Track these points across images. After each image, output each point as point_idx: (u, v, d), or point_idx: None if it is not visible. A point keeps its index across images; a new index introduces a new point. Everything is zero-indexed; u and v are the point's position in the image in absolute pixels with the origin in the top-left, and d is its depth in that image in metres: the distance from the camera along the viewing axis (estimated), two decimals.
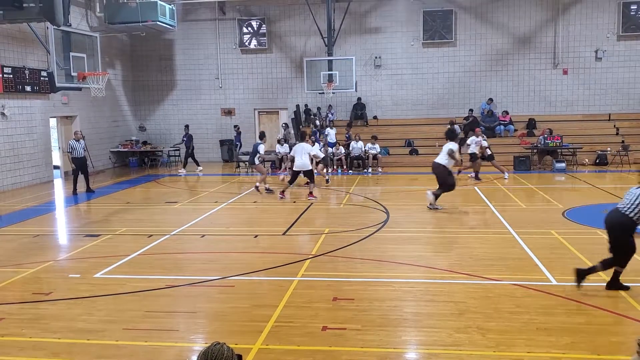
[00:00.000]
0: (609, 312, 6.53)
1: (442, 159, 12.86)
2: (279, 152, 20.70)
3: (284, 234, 11.09)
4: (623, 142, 21.35)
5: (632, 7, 22.42)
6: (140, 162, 25.09)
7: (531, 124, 22.83)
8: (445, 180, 12.91)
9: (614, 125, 22.55)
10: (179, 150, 24.37)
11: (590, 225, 11.10)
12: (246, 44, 25.42)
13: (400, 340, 5.98)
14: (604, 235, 10.20)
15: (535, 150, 20.89)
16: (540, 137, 20.94)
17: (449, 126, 19.85)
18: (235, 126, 23.65)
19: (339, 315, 6.59)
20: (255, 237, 10.85)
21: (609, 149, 21.16)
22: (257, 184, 16.11)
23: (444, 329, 6.16)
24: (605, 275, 7.59)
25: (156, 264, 9.09)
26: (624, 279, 7.30)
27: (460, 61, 23.77)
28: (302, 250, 9.77)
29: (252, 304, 7.06)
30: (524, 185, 16.85)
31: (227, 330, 6.30)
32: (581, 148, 20.99)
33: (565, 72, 23.12)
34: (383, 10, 24.14)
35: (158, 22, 21.69)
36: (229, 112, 25.86)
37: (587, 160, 21.06)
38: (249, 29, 25.35)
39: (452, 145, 12.88)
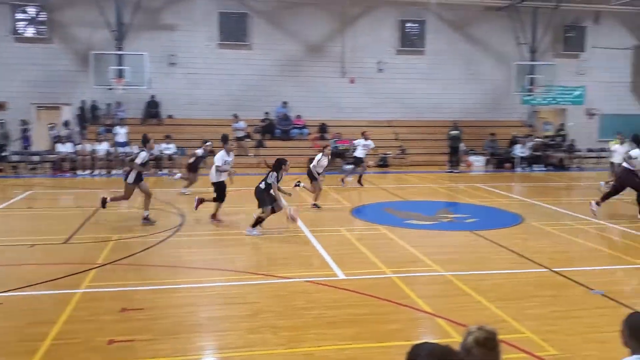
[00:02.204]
0: (389, 301, 7.05)
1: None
2: (59, 151, 19.00)
3: (65, 242, 10.14)
4: (401, 146, 23.54)
5: (407, 25, 24.86)
6: None
7: (323, 128, 24.05)
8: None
9: (394, 131, 24.75)
10: None
11: (374, 222, 11.97)
12: (21, 31, 22.91)
13: (194, 346, 5.80)
14: (385, 231, 11.09)
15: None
16: (331, 140, 22.19)
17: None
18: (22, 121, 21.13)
19: (128, 327, 6.17)
20: (31, 246, 9.75)
21: (389, 152, 23.16)
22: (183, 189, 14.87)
23: (237, 330, 6.11)
24: (387, 268, 8.20)
25: None
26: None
27: (256, 65, 24.15)
28: (86, 259, 9.00)
29: (26, 322, 6.29)
30: (339, 186, 17.61)
31: None
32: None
33: (352, 81, 24.77)
34: (177, 8, 23.55)
35: None
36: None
37: (371, 162, 22.80)
38: (25, 15, 22.89)
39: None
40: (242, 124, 22.68)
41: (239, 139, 22.46)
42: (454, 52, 25.30)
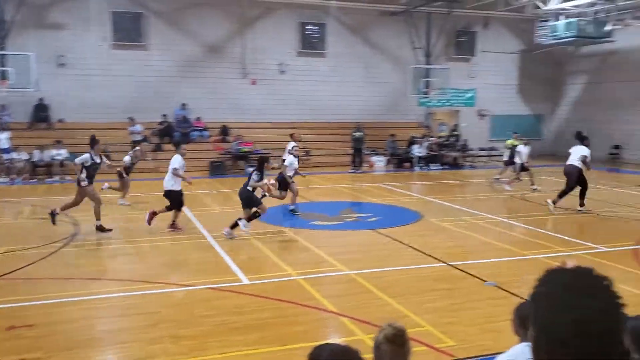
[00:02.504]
0: (294, 303, 7.03)
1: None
2: None
3: None
4: (305, 148, 23.67)
5: (307, 27, 25.08)
6: None
7: (224, 131, 23.71)
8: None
9: (297, 133, 24.82)
10: None
11: (279, 225, 11.93)
12: None
13: None
14: (290, 233, 11.08)
15: (229, 156, 21.79)
16: (233, 143, 21.91)
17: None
18: None
19: (16, 346, 5.74)
20: None
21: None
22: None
23: (137, 342, 5.86)
24: (292, 270, 8.19)
25: None
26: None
27: (153, 66, 23.38)
28: None
29: None
30: (220, 190, 17.36)
31: None
32: (270, 154, 22.58)
33: (253, 83, 24.61)
34: (66, 5, 22.31)
35: None
36: None
37: (276, 164, 22.74)
38: None
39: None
40: (138, 127, 21.88)
41: (135, 142, 21.67)
42: (353, 55, 25.81)
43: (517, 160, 17.35)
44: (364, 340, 5.54)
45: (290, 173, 13.34)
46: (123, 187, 14.33)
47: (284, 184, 13.07)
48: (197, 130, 23.44)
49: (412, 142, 24.55)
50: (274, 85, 24.83)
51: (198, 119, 23.62)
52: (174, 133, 22.66)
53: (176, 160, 11.19)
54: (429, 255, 9.37)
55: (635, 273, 8.50)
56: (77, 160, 11.01)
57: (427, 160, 23.93)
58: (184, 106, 23.47)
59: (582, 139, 13.66)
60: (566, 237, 10.79)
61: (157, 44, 23.41)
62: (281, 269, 8.55)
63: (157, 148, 22.04)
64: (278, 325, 6.37)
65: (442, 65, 25.84)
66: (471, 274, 8.29)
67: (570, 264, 1.41)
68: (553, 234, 11.24)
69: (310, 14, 24.97)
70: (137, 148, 15.84)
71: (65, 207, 11.29)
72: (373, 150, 24.57)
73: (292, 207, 13.26)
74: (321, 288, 7.72)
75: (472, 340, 5.92)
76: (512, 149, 19.05)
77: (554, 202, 13.20)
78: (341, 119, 25.25)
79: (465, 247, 10.29)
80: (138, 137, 21.67)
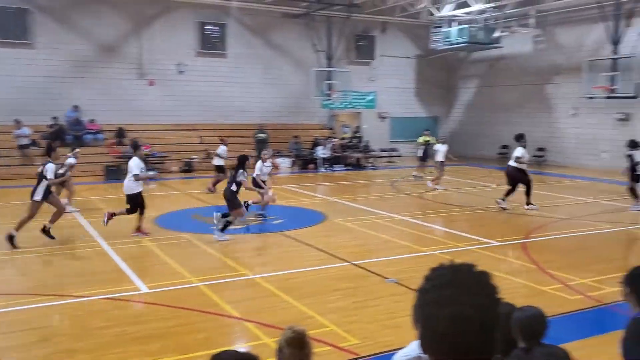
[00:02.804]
0: (196, 310, 6.83)
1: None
2: None
3: None
4: (206, 150, 23.21)
5: (207, 27, 24.62)
6: None
7: (121, 133, 22.77)
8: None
9: (199, 135, 24.34)
10: None
11: (179, 230, 11.58)
12: None
13: None
14: (191, 239, 10.79)
15: (126, 159, 20.87)
16: (130, 146, 21.08)
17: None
18: None
19: None
20: None
21: (194, 156, 22.73)
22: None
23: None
24: (194, 277, 7.95)
25: None
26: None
27: (41, 65, 21.98)
28: None
29: None
30: (116, 195, 16.59)
31: None
32: (169, 156, 21.98)
33: (151, 83, 23.82)
34: None
35: None
36: None
37: (175, 167, 22.18)
38: None
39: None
40: (26, 131, 20.51)
41: (22, 147, 20.35)
42: (255, 56, 25.65)
43: (438, 158, 18.01)
44: (269, 345, 5.47)
45: (264, 178, 13.15)
46: (70, 193, 13.71)
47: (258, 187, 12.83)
48: (90, 133, 22.33)
49: (316, 144, 24.77)
50: (173, 86, 24.17)
51: (92, 121, 22.50)
52: (66, 136, 21.44)
53: (136, 165, 10.78)
54: (333, 256, 9.46)
55: (525, 265, 9.01)
56: (50, 174, 10.11)
57: (331, 162, 24.23)
58: (76, 108, 22.24)
59: (518, 139, 14.39)
60: (461, 233, 11.28)
61: (44, 42, 22.05)
62: (182, 276, 8.29)
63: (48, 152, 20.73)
64: (179, 333, 6.16)
65: (343, 68, 26.28)
66: (373, 272, 8.44)
67: (458, 260, 1.45)
68: (449, 230, 11.71)
69: (209, 13, 24.53)
70: (77, 150, 15.25)
71: (20, 224, 10.04)
72: (277, 152, 24.55)
73: (262, 211, 13.11)
74: (224, 294, 7.56)
75: (374, 337, 6.01)
76: (426, 145, 19.86)
77: (503, 200, 13.90)
78: (244, 120, 25.04)
79: (367, 246, 10.49)
80: (25, 141, 20.36)
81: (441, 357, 1.34)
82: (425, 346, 1.38)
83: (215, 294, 7.45)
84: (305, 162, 24.43)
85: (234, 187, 10.72)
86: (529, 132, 26.29)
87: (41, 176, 10.20)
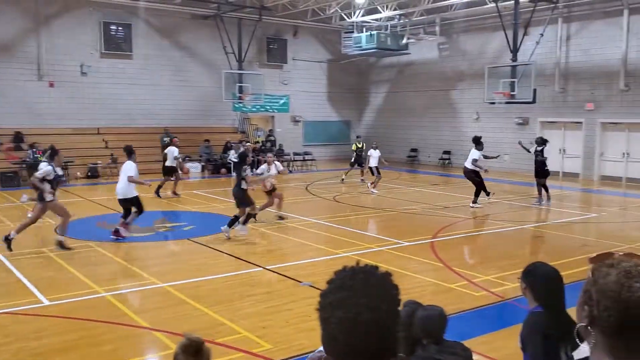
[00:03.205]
0: (102, 322, 6.53)
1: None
2: None
3: None
4: (112, 155, 22.33)
5: (111, 28, 23.68)
6: None
7: (18, 138, 21.43)
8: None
9: (103, 139, 23.37)
10: None
11: (84, 239, 11.04)
12: None
13: None
14: (97, 248, 10.33)
15: (25, 165, 19.66)
16: (30, 151, 19.89)
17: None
18: None
19: None
20: None
21: (99, 162, 21.79)
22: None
23: None
24: (100, 287, 7.60)
25: None
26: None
27: None
28: None
29: None
30: (14, 203, 15.61)
31: None
32: (73, 162, 20.94)
33: (51, 85, 22.61)
34: None
35: None
36: None
37: (79, 173, 21.17)
38: None
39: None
40: None
41: None
42: (163, 57, 24.94)
43: (371, 163, 18.29)
44: None
45: (273, 180, 12.89)
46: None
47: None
48: None
49: (228, 148, 24.45)
50: (75, 88, 23.04)
51: None
52: None
53: (131, 168, 10.89)
54: (246, 261, 9.35)
55: (433, 264, 9.31)
56: (39, 173, 9.78)
57: None
58: None
59: (476, 143, 15.17)
60: (374, 235, 11.50)
61: None
62: (87, 287, 7.90)
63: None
64: (84, 346, 5.86)
65: (255, 71, 26.15)
66: (287, 276, 8.42)
67: (365, 262, 1.46)
68: (362, 232, 11.91)
69: (113, 13, 23.63)
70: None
71: (22, 228, 10.01)
72: (187, 157, 24.03)
73: (280, 213, 13.08)
74: (132, 303, 7.29)
75: (288, 341, 5.99)
76: (357, 151, 20.30)
77: (473, 202, 14.76)
78: (152, 124, 24.30)
79: (282, 250, 10.46)
80: None
81: (335, 358, 1.36)
82: (324, 347, 1.39)
83: (123, 304, 7.16)
84: (216, 167, 24.04)
85: (244, 185, 11.04)
86: (436, 136, 27.45)
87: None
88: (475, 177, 14.93)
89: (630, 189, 19.33)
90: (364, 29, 26.69)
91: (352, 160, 20.85)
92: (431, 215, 13.93)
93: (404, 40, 26.39)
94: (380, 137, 29.14)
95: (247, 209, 11.08)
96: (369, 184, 18.10)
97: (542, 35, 21.34)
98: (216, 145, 24.79)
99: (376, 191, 17.63)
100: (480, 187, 14.97)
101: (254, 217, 12.12)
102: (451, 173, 23.52)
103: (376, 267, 1.42)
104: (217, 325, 6.38)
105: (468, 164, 14.97)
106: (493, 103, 21.13)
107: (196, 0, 23.74)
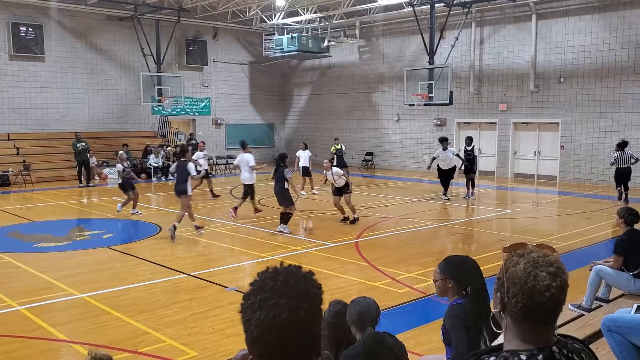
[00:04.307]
0: (16, 337, 6.19)
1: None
2: None
3: None
4: (24, 161, 21.23)
5: (21, 28, 22.49)
6: None
7: None
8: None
9: (14, 145, 22.17)
10: None
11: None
12: None
13: None
14: (9, 259, 9.77)
15: None
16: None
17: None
18: None
19: None
20: None
21: (10, 169, 20.64)
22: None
23: None
24: (13, 300, 7.18)
25: None
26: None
27: None
28: None
29: None
30: None
31: None
32: None
33: None
34: None
35: None
36: None
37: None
38: None
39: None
40: None
41: None
42: (77, 60, 23.94)
43: (301, 164, 18.18)
44: None
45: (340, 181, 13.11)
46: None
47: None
48: None
49: (147, 152, 23.79)
50: None
51: None
52: None
53: (251, 158, 13.40)
54: (170, 268, 9.13)
55: (358, 263, 9.45)
56: (193, 171, 11.88)
57: (164, 171, 23.41)
58: None
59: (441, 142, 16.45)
60: (300, 237, 11.53)
61: None
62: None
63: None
64: None
65: (174, 74, 25.62)
66: (212, 282, 8.29)
67: (287, 263, 1.48)
68: (288, 235, 11.89)
69: (23, 14, 22.47)
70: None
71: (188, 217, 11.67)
72: (104, 162, 23.20)
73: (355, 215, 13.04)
74: (49, 316, 6.94)
75: (214, 347, 5.90)
76: (337, 153, 20.12)
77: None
78: (66, 129, 23.29)
79: (206, 256, 10.29)
80: None
81: (258, 359, 1.37)
82: (248, 349, 1.41)
83: (39, 317, 6.81)
84: (136, 172, 23.25)
85: (286, 185, 11.61)
86: (359, 138, 27.87)
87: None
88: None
89: (542, 186, 20.42)
90: (285, 32, 26.74)
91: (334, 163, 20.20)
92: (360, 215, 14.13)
93: (325, 43, 26.66)
94: (304, 139, 29.32)
95: (287, 209, 11.65)
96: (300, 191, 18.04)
97: (457, 39, 22.17)
98: (135, 150, 24.04)
99: (304, 193, 17.66)
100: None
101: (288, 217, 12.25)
102: (373, 174, 23.99)
103: (299, 267, 1.43)
104: (140, 334, 6.19)
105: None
106: (412, 105, 21.71)
107: (112, 1, 22.96)
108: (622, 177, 15.45)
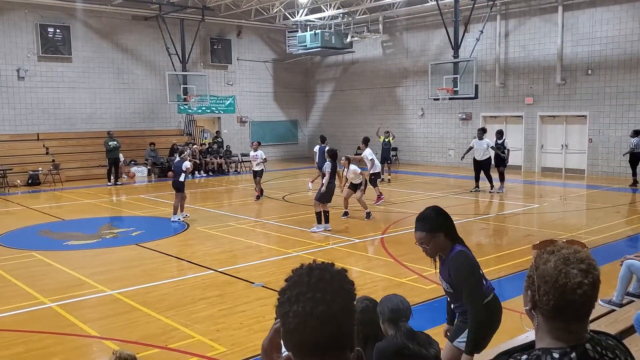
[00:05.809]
0: (50, 333, 6.33)
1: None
2: None
3: None
4: (54, 161, 21.65)
5: (49, 30, 22.90)
6: None
7: None
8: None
9: (44, 145, 22.61)
10: None
11: (26, 249, 10.67)
12: None
13: None
14: (41, 257, 10.00)
15: None
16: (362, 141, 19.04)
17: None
18: None
19: None
20: None
21: (40, 168, 21.07)
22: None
23: None
24: (46, 297, 7.34)
25: None
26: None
27: None
28: None
29: None
30: None
31: None
32: (11, 169, 20.18)
33: None
34: None
35: None
36: None
37: (19, 181, 20.41)
38: None
39: None
40: None
41: None
42: (104, 60, 24.29)
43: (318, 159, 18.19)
44: None
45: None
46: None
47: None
48: None
49: (174, 150, 24.03)
50: (13, 93, 22.19)
51: None
52: None
53: (371, 153, 14.62)
54: (197, 264, 9.24)
55: (384, 259, 9.44)
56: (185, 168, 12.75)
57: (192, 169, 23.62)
58: None
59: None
60: (325, 233, 11.56)
61: None
62: (32, 298, 7.64)
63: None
64: (32, 358, 5.67)
65: (199, 72, 25.83)
66: (240, 278, 8.37)
67: (320, 260, 1.49)
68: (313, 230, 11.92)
69: (51, 15, 22.87)
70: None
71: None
72: (132, 161, 23.53)
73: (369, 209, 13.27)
74: (80, 313, 7.08)
75: (243, 342, 5.96)
76: (383, 145, 20.36)
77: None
78: (94, 128, 23.69)
79: (233, 252, 10.38)
80: None
81: (294, 352, 1.40)
82: (284, 343, 1.44)
83: (71, 314, 6.96)
84: (163, 170, 23.59)
85: (335, 183, 11.94)
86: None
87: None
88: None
89: (569, 179, 20.11)
90: (308, 28, 26.74)
91: (385, 155, 20.34)
92: (381, 211, 14.10)
93: (348, 39, 26.60)
94: (327, 135, 29.31)
95: (321, 206, 11.66)
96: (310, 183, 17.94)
97: (481, 32, 21.93)
98: (162, 149, 24.34)
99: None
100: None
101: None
102: (397, 169, 23.87)
103: (332, 264, 1.46)
104: (169, 330, 6.28)
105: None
106: (437, 99, 21.55)
107: (137, 1, 23.23)
108: (636, 161, 17.23)
